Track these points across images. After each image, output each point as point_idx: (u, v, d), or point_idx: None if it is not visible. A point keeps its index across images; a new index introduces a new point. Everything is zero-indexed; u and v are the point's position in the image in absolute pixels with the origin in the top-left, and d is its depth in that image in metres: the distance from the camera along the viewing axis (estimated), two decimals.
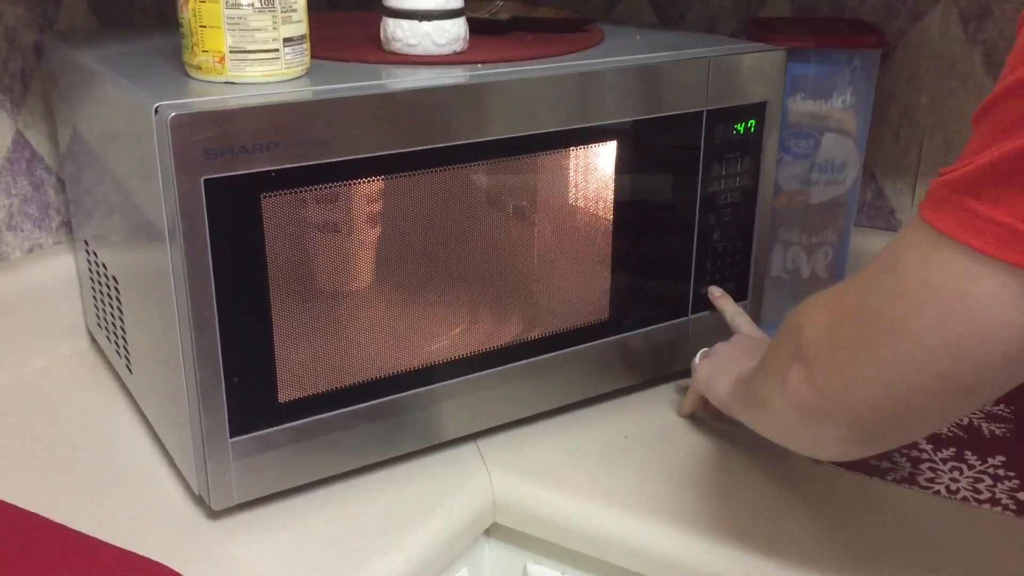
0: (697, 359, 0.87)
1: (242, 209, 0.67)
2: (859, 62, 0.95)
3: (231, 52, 0.69)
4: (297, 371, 0.73)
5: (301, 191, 0.69)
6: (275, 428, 0.73)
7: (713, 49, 0.87)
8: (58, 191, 1.01)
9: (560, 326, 0.85)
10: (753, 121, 0.89)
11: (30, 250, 1.00)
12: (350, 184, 0.71)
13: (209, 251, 0.67)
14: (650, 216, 0.87)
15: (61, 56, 0.89)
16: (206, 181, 0.65)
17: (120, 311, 0.86)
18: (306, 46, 0.73)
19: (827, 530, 0.74)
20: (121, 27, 1.03)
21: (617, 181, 0.84)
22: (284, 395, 0.73)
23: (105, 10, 1.02)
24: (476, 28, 0.88)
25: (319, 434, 0.75)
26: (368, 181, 0.72)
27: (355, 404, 0.76)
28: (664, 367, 0.93)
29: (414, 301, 0.77)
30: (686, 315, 0.92)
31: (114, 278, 0.86)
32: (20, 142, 0.97)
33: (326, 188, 0.70)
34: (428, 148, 0.73)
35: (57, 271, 0.99)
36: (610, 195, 0.84)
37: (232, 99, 0.67)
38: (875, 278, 0.51)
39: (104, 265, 0.89)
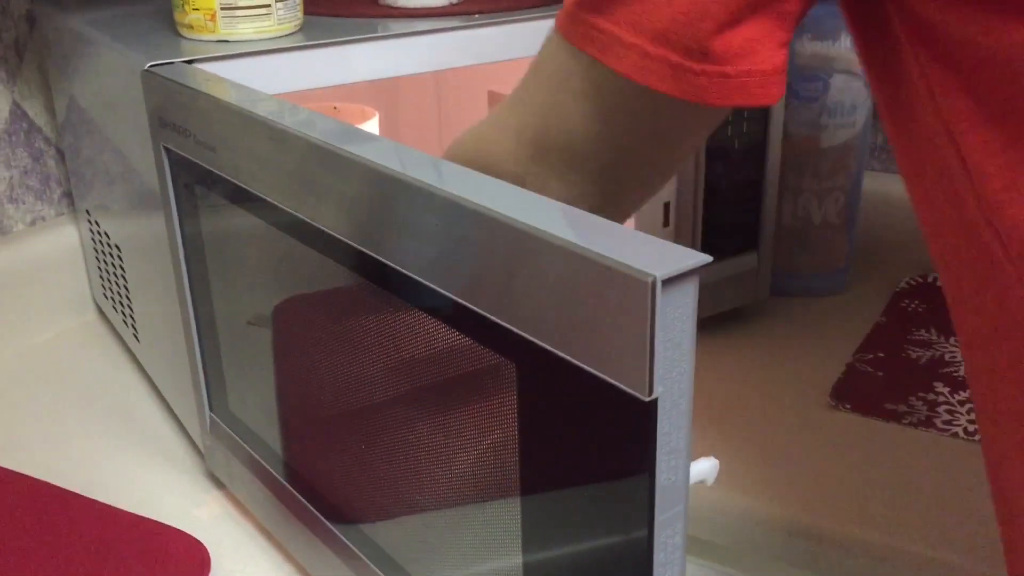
0: None
1: None
2: None
3: (222, 9, 0.68)
4: None
5: None
6: None
7: None
8: (58, 162, 1.00)
9: None
10: None
11: (32, 222, 0.99)
12: None
13: None
14: None
15: (53, 23, 0.88)
16: None
17: (124, 280, 0.85)
18: (299, 1, 0.72)
19: (842, 475, 0.73)
20: None
21: None
22: None
23: None
24: None
25: None
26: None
27: None
28: None
29: None
30: None
31: (117, 247, 0.85)
32: (17, 113, 0.96)
33: None
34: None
35: (61, 243, 0.98)
36: None
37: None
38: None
39: (107, 234, 0.88)
